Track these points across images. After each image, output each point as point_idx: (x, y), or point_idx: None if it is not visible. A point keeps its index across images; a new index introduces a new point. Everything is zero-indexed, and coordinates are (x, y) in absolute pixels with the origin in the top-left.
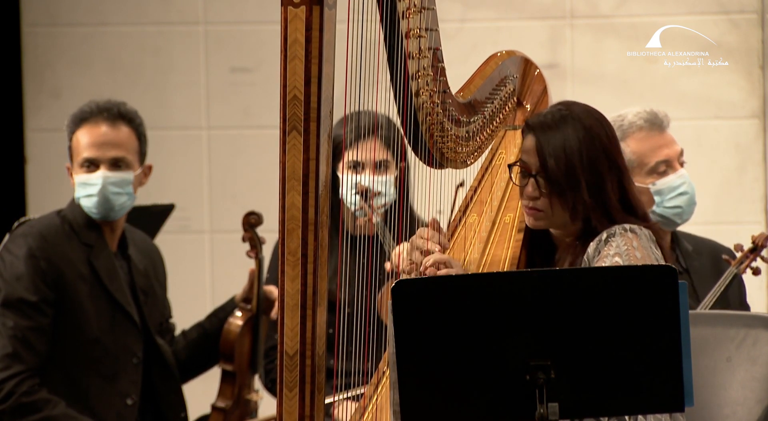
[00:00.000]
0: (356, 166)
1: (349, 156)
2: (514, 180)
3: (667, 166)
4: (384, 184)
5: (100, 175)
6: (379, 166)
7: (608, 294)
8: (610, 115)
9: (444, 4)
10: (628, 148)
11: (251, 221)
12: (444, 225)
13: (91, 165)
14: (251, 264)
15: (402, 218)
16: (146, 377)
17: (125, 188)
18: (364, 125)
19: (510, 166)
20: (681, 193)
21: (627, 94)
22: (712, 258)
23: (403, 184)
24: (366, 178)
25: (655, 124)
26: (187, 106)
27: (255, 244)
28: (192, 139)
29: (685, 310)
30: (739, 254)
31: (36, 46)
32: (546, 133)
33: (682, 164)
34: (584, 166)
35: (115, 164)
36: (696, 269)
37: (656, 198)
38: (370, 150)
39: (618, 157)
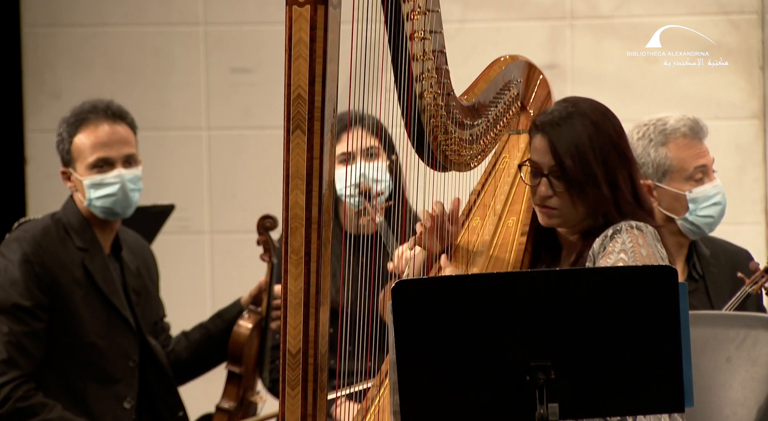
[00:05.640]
0: (347, 159)
1: (338, 150)
2: (525, 180)
3: (703, 174)
4: (378, 170)
5: (117, 173)
6: (369, 154)
7: (608, 294)
8: (649, 118)
9: (444, 5)
10: (670, 153)
11: (266, 225)
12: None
13: (105, 164)
14: (252, 264)
15: (405, 219)
16: (142, 378)
17: (138, 184)
18: (343, 119)
19: (520, 166)
20: (715, 204)
21: (627, 94)
22: (730, 263)
23: (396, 176)
24: (358, 167)
25: (698, 133)
26: (187, 107)
27: (269, 247)
28: (192, 140)
29: (685, 310)
30: (756, 273)
31: (36, 46)
32: (556, 131)
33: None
34: (597, 160)
35: (127, 161)
36: (713, 275)
37: (691, 206)
38: (356, 139)
39: (627, 150)
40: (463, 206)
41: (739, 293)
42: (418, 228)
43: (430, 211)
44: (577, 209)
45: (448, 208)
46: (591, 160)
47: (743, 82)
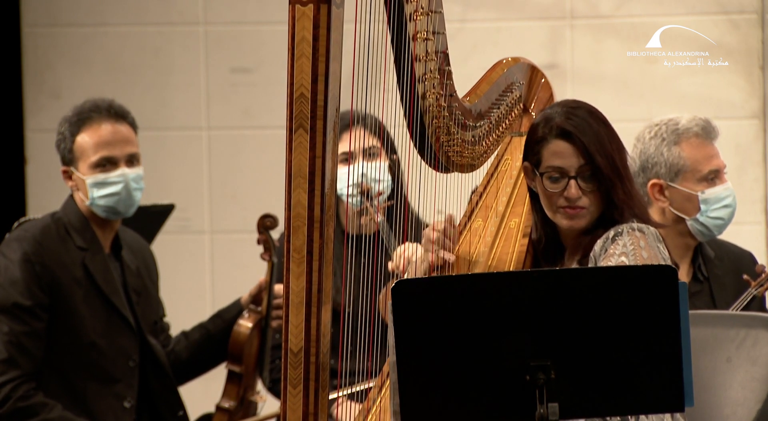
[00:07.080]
0: (348, 158)
1: (338, 149)
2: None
3: (715, 176)
4: (379, 170)
5: (121, 172)
6: (370, 154)
7: (608, 294)
8: (660, 118)
9: (444, 5)
10: (684, 153)
11: (266, 224)
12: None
13: (108, 164)
14: (252, 264)
15: (406, 219)
16: (142, 378)
17: (140, 184)
18: (344, 118)
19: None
20: (725, 206)
21: (627, 94)
22: (734, 265)
23: (396, 176)
24: (359, 167)
25: (709, 133)
26: (187, 107)
27: (269, 246)
28: (192, 140)
29: (685, 310)
30: (761, 276)
31: (36, 46)
32: (580, 132)
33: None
34: (619, 157)
35: (130, 160)
36: (717, 277)
37: (702, 207)
38: (357, 139)
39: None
40: (464, 208)
41: (744, 295)
42: (427, 235)
43: (439, 222)
44: (599, 207)
45: (447, 216)
46: (615, 157)
47: (743, 82)
